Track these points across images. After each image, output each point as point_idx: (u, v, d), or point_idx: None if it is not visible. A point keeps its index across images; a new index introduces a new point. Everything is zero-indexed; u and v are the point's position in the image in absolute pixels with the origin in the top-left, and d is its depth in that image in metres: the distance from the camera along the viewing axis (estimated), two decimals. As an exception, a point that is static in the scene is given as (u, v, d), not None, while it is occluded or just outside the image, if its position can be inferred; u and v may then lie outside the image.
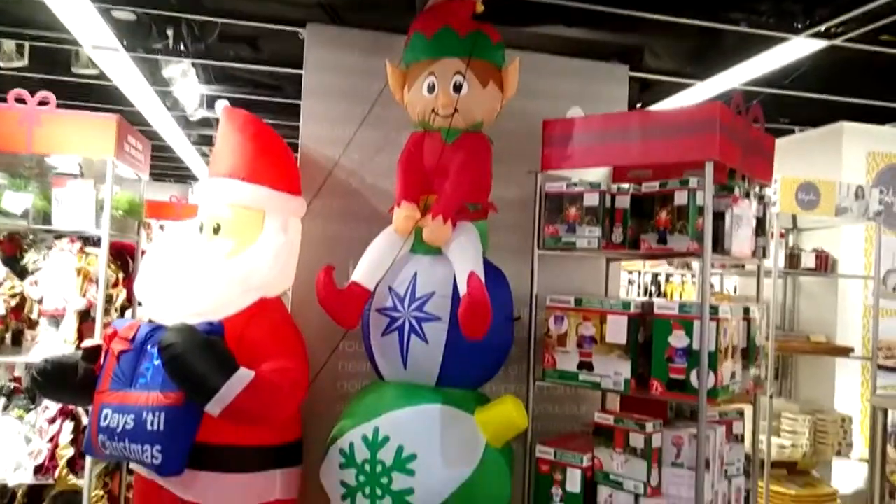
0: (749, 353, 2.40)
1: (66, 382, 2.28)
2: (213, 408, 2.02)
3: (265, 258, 2.29)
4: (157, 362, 2.16)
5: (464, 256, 2.19)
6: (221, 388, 2.00)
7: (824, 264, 3.69)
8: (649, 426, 2.19)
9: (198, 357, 2.01)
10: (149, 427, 2.08)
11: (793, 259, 3.67)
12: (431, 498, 2.08)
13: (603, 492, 2.27)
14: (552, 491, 2.33)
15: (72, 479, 2.73)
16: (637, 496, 2.20)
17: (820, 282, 4.03)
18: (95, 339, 2.42)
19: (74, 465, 2.74)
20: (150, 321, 2.30)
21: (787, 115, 4.63)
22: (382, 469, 2.13)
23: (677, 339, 2.17)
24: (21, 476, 2.73)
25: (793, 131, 4.75)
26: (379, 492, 2.12)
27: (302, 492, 2.44)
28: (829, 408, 3.73)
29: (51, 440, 2.73)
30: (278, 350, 2.25)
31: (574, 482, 2.29)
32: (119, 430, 2.12)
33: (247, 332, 2.24)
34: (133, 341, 2.26)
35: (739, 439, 2.47)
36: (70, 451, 2.71)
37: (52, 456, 2.72)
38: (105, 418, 2.17)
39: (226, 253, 2.27)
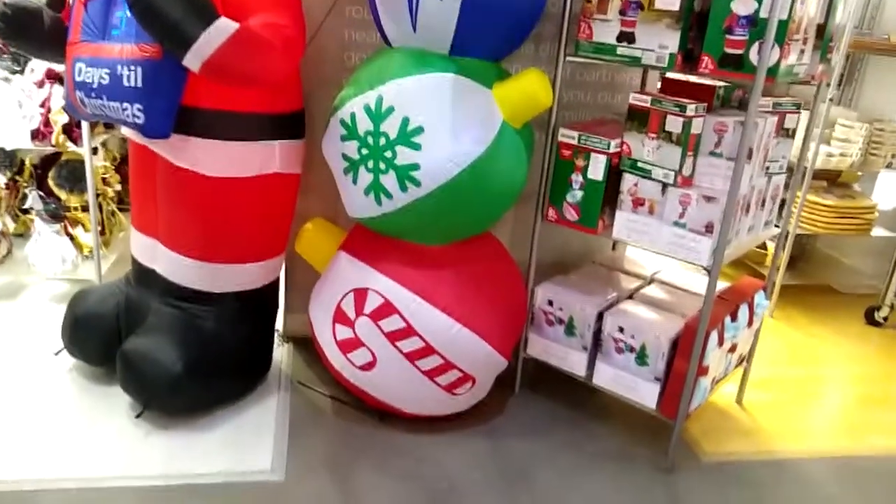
0: (824, 34, 2.02)
1: (33, 30, 2.04)
2: (192, 61, 1.77)
3: None
4: (129, 12, 1.88)
5: None
6: (199, 38, 1.73)
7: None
8: (690, 108, 1.91)
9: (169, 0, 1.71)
10: (125, 83, 1.87)
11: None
12: (438, 174, 1.91)
13: (628, 180, 2.08)
14: (572, 178, 2.15)
15: (71, 147, 2.62)
16: (665, 185, 2.00)
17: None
18: (60, -16, 2.12)
19: (72, 133, 2.60)
20: (117, -39, 1.96)
21: None
22: (386, 142, 1.93)
23: (742, 5, 1.78)
24: (19, 141, 2.62)
25: None
26: (382, 165, 1.95)
27: (306, 166, 2.31)
28: (890, 118, 3.38)
29: (42, 105, 2.56)
30: (268, 2, 1.93)
31: (597, 168, 2.09)
32: (95, 85, 1.91)
33: (231, -19, 1.90)
34: (100, -14, 1.95)
35: (790, 134, 2.20)
36: (63, 117, 2.55)
37: (47, 122, 2.57)
38: (79, 73, 1.95)
39: None
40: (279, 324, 2.70)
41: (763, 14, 1.75)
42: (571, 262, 2.69)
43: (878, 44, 3.27)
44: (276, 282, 2.41)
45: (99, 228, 2.85)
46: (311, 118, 2.27)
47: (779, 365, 2.93)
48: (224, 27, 1.76)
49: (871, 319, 3.36)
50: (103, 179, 2.87)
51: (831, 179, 3.47)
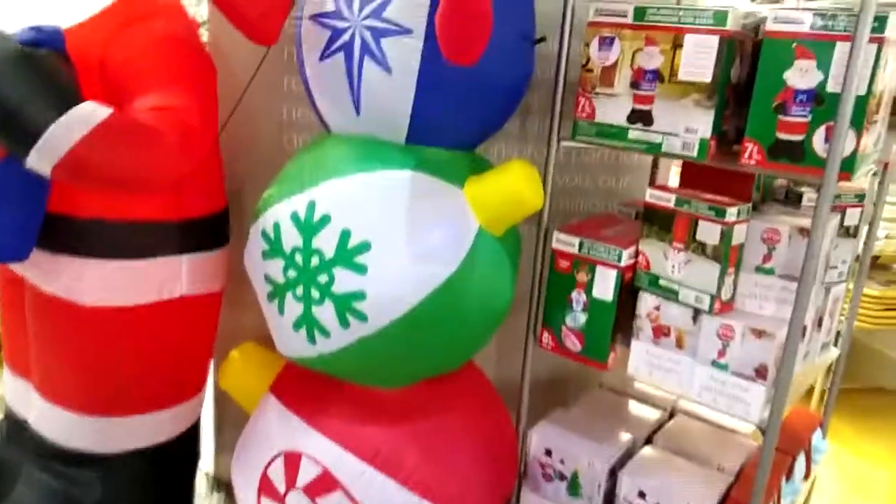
0: (899, 106, 1.55)
1: None
2: (39, 162, 1.26)
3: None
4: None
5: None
6: (47, 130, 1.23)
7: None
8: (731, 213, 1.42)
9: (8, 77, 1.23)
10: (-42, 190, 1.37)
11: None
12: (391, 307, 1.40)
13: (647, 301, 1.56)
14: (572, 296, 1.64)
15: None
16: (698, 311, 1.49)
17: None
18: None
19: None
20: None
21: None
22: (320, 263, 1.42)
23: (801, 75, 1.30)
24: None
25: None
26: (315, 294, 1.43)
27: (235, 275, 1.78)
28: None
29: None
30: (162, 78, 1.44)
31: (605, 286, 1.58)
32: (-79, 193, 1.41)
33: (111, 52, 1.42)
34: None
35: (851, 232, 1.70)
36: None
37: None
38: None
39: None
40: (210, 467, 2.17)
41: (831, 88, 1.27)
42: (569, 380, 2.17)
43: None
44: (194, 428, 1.86)
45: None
46: (242, 215, 1.77)
47: None
48: (87, 115, 1.26)
49: (929, 429, 2.83)
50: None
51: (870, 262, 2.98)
